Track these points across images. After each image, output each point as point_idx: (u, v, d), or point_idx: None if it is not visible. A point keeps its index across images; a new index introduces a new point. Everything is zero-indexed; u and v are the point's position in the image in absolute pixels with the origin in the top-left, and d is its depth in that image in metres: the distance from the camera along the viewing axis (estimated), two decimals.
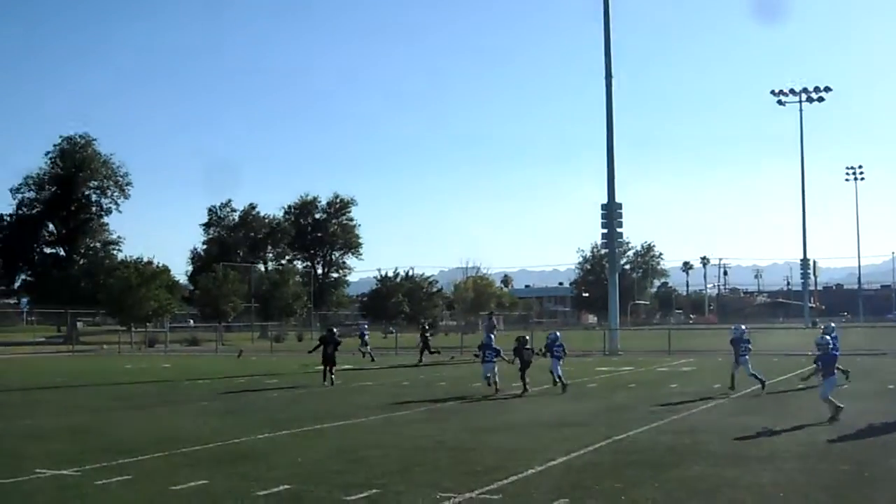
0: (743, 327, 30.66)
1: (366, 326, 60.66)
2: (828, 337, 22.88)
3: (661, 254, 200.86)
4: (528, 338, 32.36)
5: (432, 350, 51.92)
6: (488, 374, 30.66)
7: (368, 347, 53.49)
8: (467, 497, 12.26)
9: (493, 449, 16.73)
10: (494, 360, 31.07)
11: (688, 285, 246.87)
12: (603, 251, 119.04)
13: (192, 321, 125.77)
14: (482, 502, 12.00)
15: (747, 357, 28.94)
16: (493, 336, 33.25)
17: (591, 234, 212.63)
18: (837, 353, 23.45)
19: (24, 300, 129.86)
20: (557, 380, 30.52)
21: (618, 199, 64.05)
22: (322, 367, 35.51)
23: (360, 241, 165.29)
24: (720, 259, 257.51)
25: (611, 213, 63.86)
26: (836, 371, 22.36)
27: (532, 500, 12.05)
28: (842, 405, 20.94)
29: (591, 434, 18.61)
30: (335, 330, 37.84)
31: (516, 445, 17.14)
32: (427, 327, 58.27)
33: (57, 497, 12.76)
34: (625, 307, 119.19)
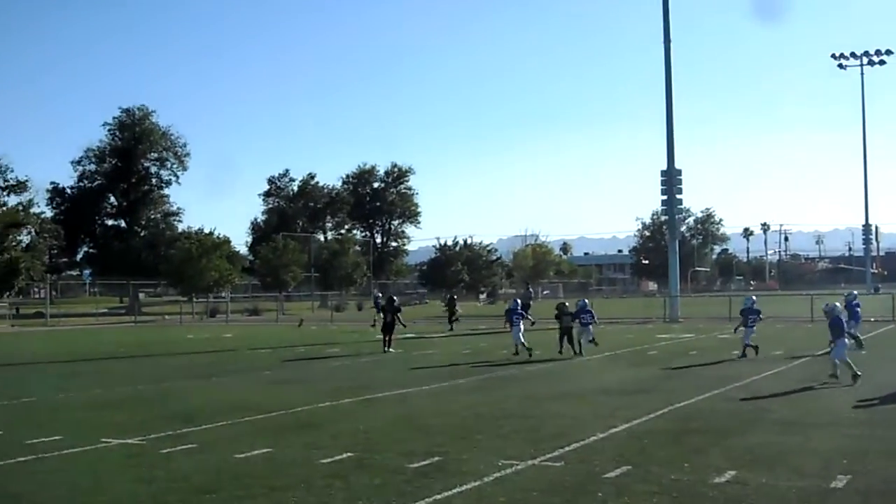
0: (754, 297, 30.90)
1: (379, 294, 58.27)
2: (837, 304, 23.72)
3: (721, 220, 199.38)
4: (567, 304, 33.16)
5: (452, 321, 52.30)
6: (519, 337, 32.10)
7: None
8: (529, 464, 12.28)
9: (553, 416, 16.75)
10: (521, 322, 32.68)
11: (748, 252, 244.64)
12: (662, 218, 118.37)
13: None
14: (544, 469, 12.01)
15: (754, 327, 28.96)
16: (518, 301, 35.21)
17: (651, 201, 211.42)
18: (845, 319, 24.00)
19: (87, 272, 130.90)
20: (578, 346, 31.32)
21: (677, 165, 63.68)
22: (382, 336, 35.69)
23: (418, 209, 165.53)
24: (781, 225, 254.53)
25: (670, 180, 63.47)
26: (847, 336, 23.27)
27: (594, 467, 12.03)
28: (860, 372, 21.43)
29: (652, 401, 18.57)
30: (395, 298, 38.06)
31: (577, 413, 17.14)
32: (454, 297, 58.73)
33: (123, 465, 12.90)
34: (685, 274, 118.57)
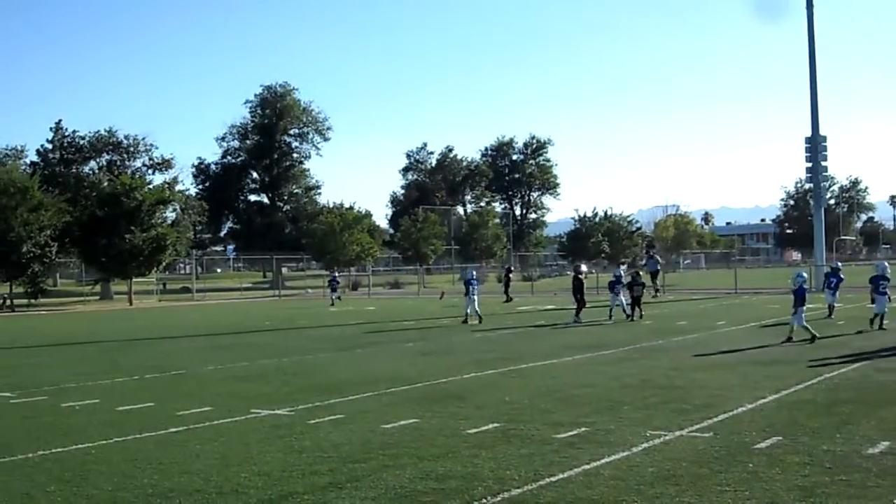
0: (885, 264, 30.03)
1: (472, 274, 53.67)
2: (804, 274, 26.09)
3: (867, 188, 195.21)
4: (640, 273, 37.79)
5: (508, 297, 52.68)
6: (616, 304, 35.14)
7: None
8: (678, 435, 12.15)
9: (700, 386, 16.56)
10: (620, 293, 35.48)
11: (895, 220, 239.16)
12: (806, 186, 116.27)
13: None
14: (693, 440, 11.87)
15: (886, 295, 28.18)
16: (622, 271, 37.83)
17: (795, 169, 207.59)
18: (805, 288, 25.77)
19: (231, 247, 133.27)
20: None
21: (822, 132, 62.38)
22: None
23: (557, 181, 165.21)
24: None
25: (815, 147, 62.21)
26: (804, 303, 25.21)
27: (744, 437, 11.86)
28: (816, 334, 24.71)
29: (800, 371, 18.27)
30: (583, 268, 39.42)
31: (725, 383, 16.91)
32: (510, 270, 59.43)
33: (272, 435, 13.06)
34: (830, 243, 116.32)
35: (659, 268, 55.85)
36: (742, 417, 13.39)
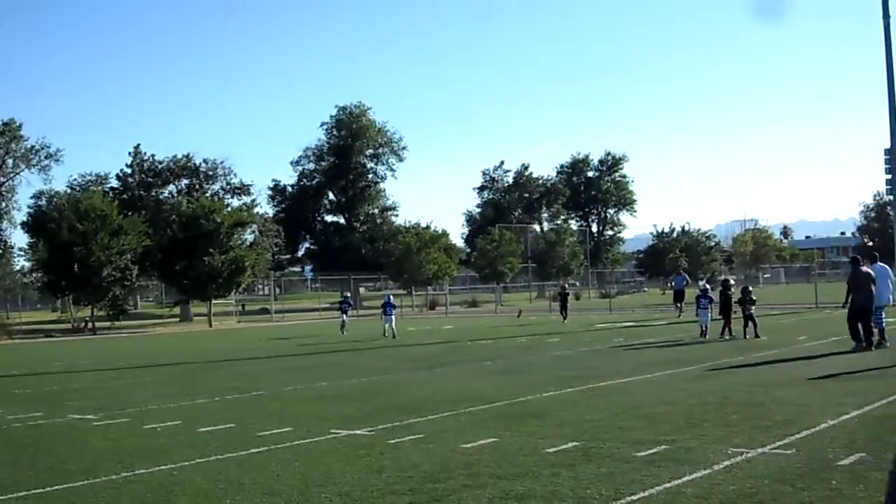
0: None
1: (390, 297, 49.64)
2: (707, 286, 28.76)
3: None
4: (750, 288, 35.24)
5: (564, 316, 51.96)
6: (704, 320, 34.43)
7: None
8: (759, 452, 12.03)
9: (782, 403, 16.37)
10: (708, 306, 34.86)
11: None
12: (887, 198, 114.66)
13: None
14: (775, 457, 11.74)
15: None
16: (709, 287, 36.92)
17: (875, 180, 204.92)
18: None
19: (308, 268, 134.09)
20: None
21: None
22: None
23: (633, 197, 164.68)
24: None
25: (894, 158, 61.37)
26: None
27: (827, 454, 11.71)
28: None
29: (884, 386, 18.01)
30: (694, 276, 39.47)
31: (806, 399, 16.71)
32: (566, 287, 58.50)
33: (352, 455, 13.10)
34: None
35: (685, 286, 54.48)
36: (824, 434, 13.23)
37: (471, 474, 11.30)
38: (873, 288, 27.35)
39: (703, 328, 33.87)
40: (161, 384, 25.66)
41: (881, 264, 29.23)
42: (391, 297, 47.48)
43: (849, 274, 28.73)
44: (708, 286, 36.70)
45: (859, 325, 27.01)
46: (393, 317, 44.84)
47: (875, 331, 27.42)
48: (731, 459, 11.60)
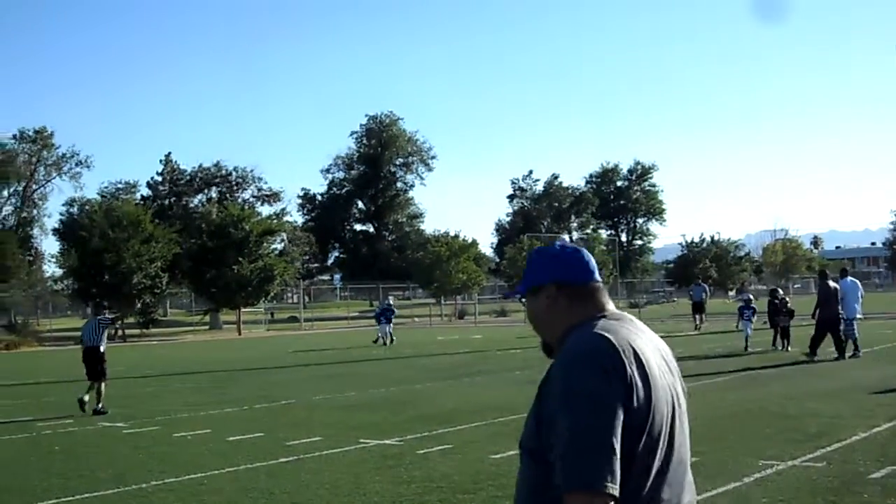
0: None
1: (389, 302, 51.89)
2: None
3: None
4: (787, 299, 34.52)
5: None
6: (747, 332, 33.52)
7: (389, 328, 48.44)
8: (790, 464, 11.97)
9: (813, 415, 16.30)
10: (752, 317, 34.07)
11: None
12: None
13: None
14: (806, 469, 11.69)
15: None
16: (752, 297, 36.47)
17: None
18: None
19: (337, 276, 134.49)
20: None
21: None
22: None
23: (663, 207, 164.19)
24: None
25: None
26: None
27: (858, 466, 11.66)
28: None
29: None
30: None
31: (838, 411, 16.62)
32: None
33: (381, 465, 13.12)
34: None
35: (705, 297, 52.93)
36: (856, 446, 13.17)
37: (500, 485, 11.30)
38: (840, 302, 28.36)
39: (747, 340, 33.43)
40: (190, 392, 25.75)
41: (851, 279, 30.39)
42: (391, 301, 49.22)
43: (818, 288, 30.23)
44: (751, 296, 36.34)
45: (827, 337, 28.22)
46: (391, 322, 46.03)
47: (850, 342, 28.30)
48: (763, 472, 11.56)
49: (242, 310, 76.64)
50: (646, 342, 3.37)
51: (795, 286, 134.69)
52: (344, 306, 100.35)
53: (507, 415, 17.80)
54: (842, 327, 28.34)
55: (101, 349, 21.99)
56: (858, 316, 29.40)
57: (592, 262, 3.68)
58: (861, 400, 18.29)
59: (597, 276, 3.64)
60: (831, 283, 29.08)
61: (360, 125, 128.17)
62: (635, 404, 3.14)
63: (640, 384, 3.17)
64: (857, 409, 16.83)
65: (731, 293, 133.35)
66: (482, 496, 10.82)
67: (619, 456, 3.05)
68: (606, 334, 3.27)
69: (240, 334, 72.34)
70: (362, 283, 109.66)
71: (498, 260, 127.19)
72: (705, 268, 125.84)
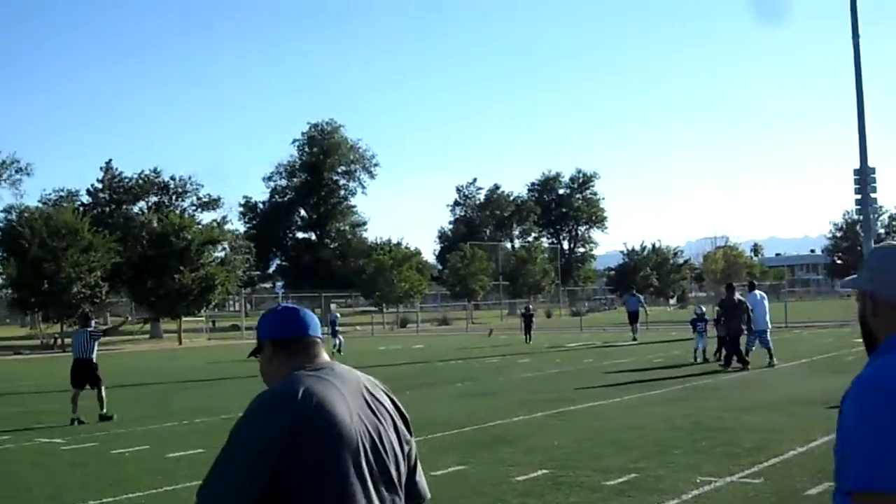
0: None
1: (338, 316, 55.89)
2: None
3: None
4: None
5: (527, 338, 51.12)
6: (698, 345, 32.51)
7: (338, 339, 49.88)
8: (728, 481, 12.04)
9: (751, 429, 16.41)
10: (704, 330, 32.79)
11: None
12: (855, 217, 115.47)
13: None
14: (743, 486, 11.76)
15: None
16: (704, 309, 35.70)
17: (845, 199, 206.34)
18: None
19: (279, 284, 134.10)
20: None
21: (871, 163, 61.79)
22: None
23: (604, 214, 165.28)
24: None
25: (863, 178, 61.53)
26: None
27: (795, 483, 11.75)
28: None
29: None
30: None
31: (775, 425, 16.73)
32: (530, 308, 56.81)
33: None
34: None
35: (641, 308, 51.81)
36: (793, 461, 13.27)
37: (439, 503, 11.30)
38: (744, 315, 28.99)
39: (696, 352, 32.53)
40: (130, 406, 25.48)
41: (759, 292, 31.32)
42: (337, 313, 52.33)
43: (724, 300, 30.67)
44: (703, 309, 35.86)
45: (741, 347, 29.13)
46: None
47: (755, 351, 29.77)
48: (700, 489, 11.62)
49: (184, 318, 76.28)
50: (338, 390, 3.67)
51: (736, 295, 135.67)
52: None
53: (448, 429, 17.81)
54: (746, 340, 29.39)
55: (94, 360, 22.44)
56: (766, 327, 30.00)
57: (307, 319, 4.00)
58: (799, 413, 18.41)
59: (310, 331, 3.95)
60: (737, 297, 29.89)
61: (302, 133, 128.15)
62: (305, 446, 3.45)
63: (316, 428, 3.47)
64: (794, 423, 16.97)
65: (672, 301, 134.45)
66: None
67: (251, 495, 3.42)
68: (292, 386, 3.58)
69: (181, 343, 71.97)
70: (304, 291, 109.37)
71: (441, 268, 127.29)
72: (646, 275, 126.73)
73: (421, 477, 3.97)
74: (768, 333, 29.80)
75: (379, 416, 3.79)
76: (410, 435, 3.95)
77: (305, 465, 3.44)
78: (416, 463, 3.94)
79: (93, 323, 24.47)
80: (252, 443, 3.49)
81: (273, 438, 3.44)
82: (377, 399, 3.88)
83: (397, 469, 3.72)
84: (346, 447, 3.53)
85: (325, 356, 3.93)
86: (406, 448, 3.86)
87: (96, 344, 23.24)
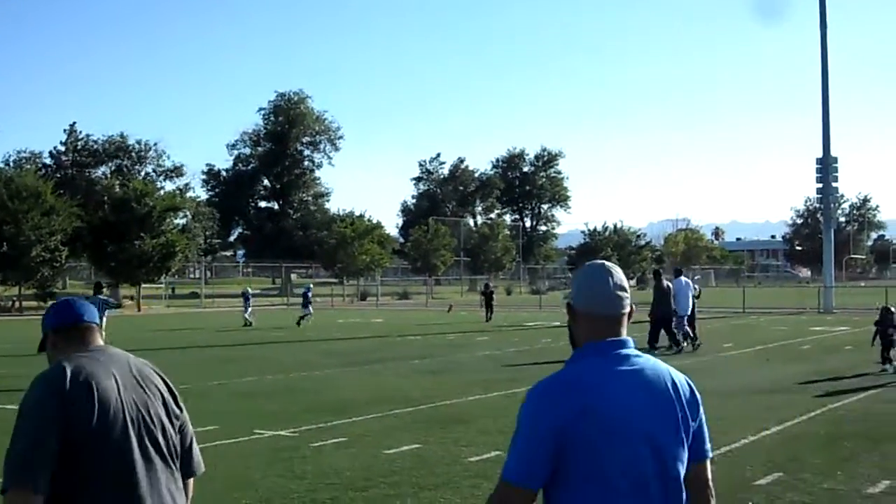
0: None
1: (310, 287, 53.08)
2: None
3: (877, 206, 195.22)
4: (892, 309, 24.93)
5: (489, 317, 50.92)
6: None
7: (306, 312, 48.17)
8: None
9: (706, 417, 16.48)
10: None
11: None
12: (816, 205, 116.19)
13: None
14: None
15: None
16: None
17: (806, 186, 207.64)
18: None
19: (240, 253, 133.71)
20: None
21: (834, 153, 62.24)
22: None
23: (568, 194, 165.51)
24: None
25: (826, 168, 62.12)
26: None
27: (745, 472, 11.82)
28: None
29: (804, 401, 18.19)
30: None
31: (726, 413, 16.69)
32: (490, 286, 56.77)
33: (275, 458, 13.09)
34: (839, 261, 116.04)
35: None
36: (744, 450, 13.38)
37: (392, 483, 11.37)
38: (672, 300, 29.79)
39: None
40: None
41: (684, 279, 32.35)
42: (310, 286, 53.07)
43: (654, 287, 31.23)
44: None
45: (661, 332, 29.53)
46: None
47: (686, 334, 30.40)
48: None
49: (143, 285, 76.00)
50: (105, 367, 4.19)
51: (696, 277, 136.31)
52: (246, 283, 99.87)
53: (402, 406, 17.89)
54: (674, 322, 29.89)
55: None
56: (687, 312, 30.67)
57: (82, 308, 4.50)
58: (752, 401, 18.56)
59: (85, 318, 4.45)
60: (665, 283, 30.60)
61: (269, 101, 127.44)
62: (77, 419, 3.95)
63: (87, 398, 3.99)
64: (746, 411, 17.10)
65: (632, 282, 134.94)
66: (373, 493, 10.88)
67: (47, 456, 3.86)
68: (64, 364, 4.10)
69: (139, 310, 71.70)
70: (265, 260, 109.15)
71: (403, 241, 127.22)
72: (607, 256, 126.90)
73: (196, 450, 4.53)
74: (685, 319, 30.51)
75: (147, 391, 4.28)
76: (181, 410, 4.46)
77: (85, 431, 3.94)
78: (191, 438, 4.49)
79: (105, 291, 24.83)
80: (38, 412, 3.96)
81: (53, 405, 3.95)
82: (145, 376, 4.36)
83: (165, 438, 4.23)
84: (115, 416, 4.04)
85: (99, 341, 4.43)
86: (177, 422, 4.40)
87: (105, 313, 24.01)
